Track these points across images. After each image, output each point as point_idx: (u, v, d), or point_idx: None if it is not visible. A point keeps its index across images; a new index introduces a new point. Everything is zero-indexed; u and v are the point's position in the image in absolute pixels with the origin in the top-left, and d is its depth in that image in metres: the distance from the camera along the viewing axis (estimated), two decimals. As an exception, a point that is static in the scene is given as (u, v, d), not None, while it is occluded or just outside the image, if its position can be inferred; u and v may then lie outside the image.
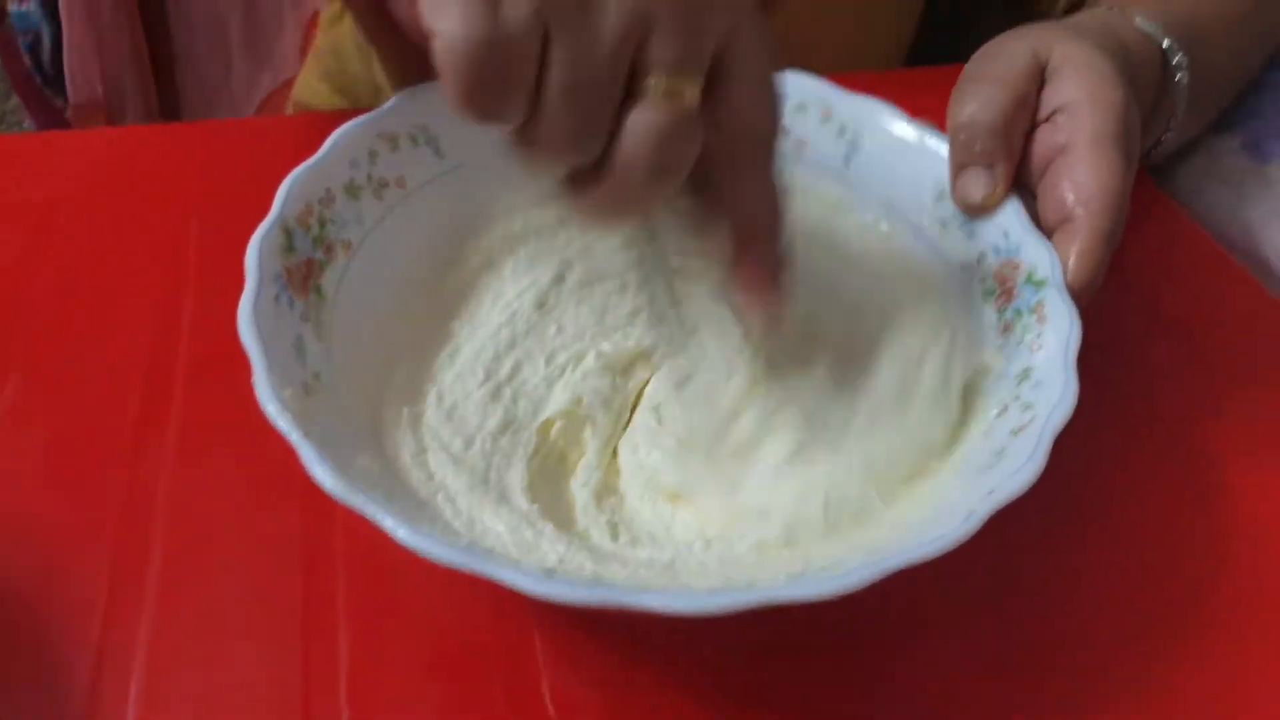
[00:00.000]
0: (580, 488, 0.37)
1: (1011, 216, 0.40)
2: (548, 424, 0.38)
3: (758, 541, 0.34)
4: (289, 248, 0.36)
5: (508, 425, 0.37)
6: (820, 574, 0.29)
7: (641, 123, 0.28)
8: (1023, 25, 0.44)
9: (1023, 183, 0.41)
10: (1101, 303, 0.38)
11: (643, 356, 0.40)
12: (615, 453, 0.38)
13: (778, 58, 0.31)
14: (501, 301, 0.40)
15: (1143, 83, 0.45)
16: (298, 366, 0.33)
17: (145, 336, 0.44)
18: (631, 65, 0.28)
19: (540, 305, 0.40)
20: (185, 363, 0.42)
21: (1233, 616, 0.36)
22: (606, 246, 0.41)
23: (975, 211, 0.40)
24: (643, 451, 0.37)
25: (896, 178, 0.43)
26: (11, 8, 0.71)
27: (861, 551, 0.32)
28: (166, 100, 0.69)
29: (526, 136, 0.28)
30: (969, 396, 0.37)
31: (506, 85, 0.27)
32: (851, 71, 0.48)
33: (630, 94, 0.28)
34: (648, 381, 0.40)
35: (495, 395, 0.38)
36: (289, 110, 0.67)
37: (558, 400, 0.38)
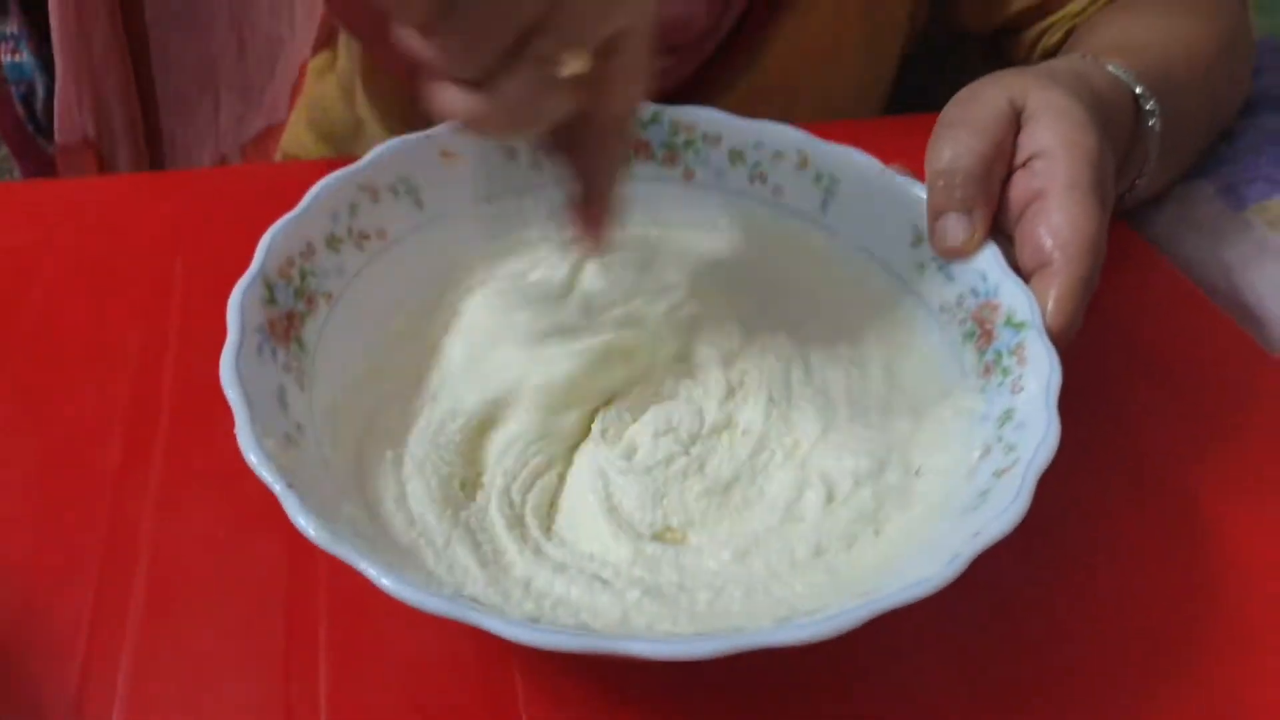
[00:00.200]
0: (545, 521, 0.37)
1: (989, 259, 0.40)
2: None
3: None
4: (270, 300, 0.36)
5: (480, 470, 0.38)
6: (805, 618, 0.29)
7: (518, 73, 0.31)
8: (998, 71, 0.45)
9: (999, 227, 0.41)
10: (1080, 344, 0.38)
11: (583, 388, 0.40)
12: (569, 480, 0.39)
13: (652, 64, 0.35)
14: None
15: (1115, 129, 0.45)
16: (280, 417, 0.33)
17: (128, 381, 0.44)
18: (537, 25, 0.31)
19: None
20: (168, 407, 0.42)
21: (1216, 654, 0.36)
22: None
23: (953, 256, 0.41)
24: (615, 485, 0.37)
25: (874, 221, 0.44)
26: (5, 59, 0.71)
27: (847, 593, 0.32)
28: (154, 138, 0.69)
29: (429, 28, 0.30)
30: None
31: None
32: (830, 120, 0.49)
33: (522, 48, 0.31)
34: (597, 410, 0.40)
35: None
36: (278, 159, 0.68)
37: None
